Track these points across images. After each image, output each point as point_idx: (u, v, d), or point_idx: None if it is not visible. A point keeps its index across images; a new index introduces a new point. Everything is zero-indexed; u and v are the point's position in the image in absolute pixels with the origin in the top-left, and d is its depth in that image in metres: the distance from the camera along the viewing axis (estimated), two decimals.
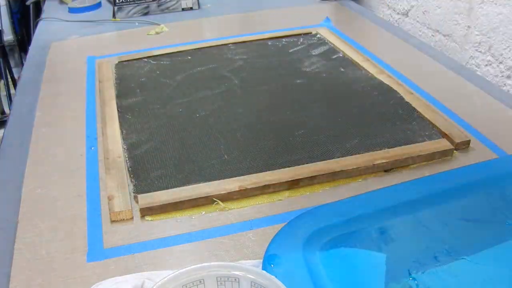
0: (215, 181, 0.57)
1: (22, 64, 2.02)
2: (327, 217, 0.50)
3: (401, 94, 0.74)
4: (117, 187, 0.58)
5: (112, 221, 0.54)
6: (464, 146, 0.64)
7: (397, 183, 0.58)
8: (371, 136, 0.65)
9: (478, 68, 0.92)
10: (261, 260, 0.45)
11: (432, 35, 1.05)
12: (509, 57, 0.85)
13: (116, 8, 1.18)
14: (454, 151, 0.63)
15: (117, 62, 0.92)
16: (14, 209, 0.56)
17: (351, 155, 0.61)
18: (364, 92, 0.77)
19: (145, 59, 0.92)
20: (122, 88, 0.82)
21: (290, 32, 1.02)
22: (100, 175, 0.61)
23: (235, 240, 0.51)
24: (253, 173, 0.58)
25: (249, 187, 0.56)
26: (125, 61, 0.92)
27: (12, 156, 0.67)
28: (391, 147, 0.62)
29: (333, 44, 0.94)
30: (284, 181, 0.57)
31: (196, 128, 0.69)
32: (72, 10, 1.27)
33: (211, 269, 0.38)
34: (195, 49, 0.96)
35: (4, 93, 2.09)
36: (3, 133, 0.74)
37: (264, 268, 0.44)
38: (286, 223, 0.50)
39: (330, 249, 0.47)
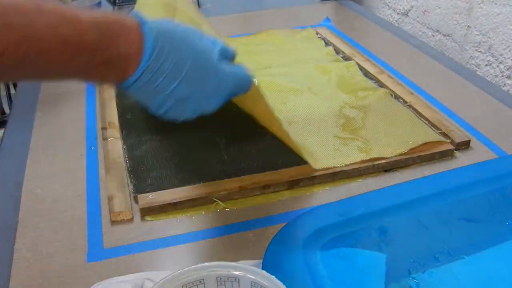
0: (215, 181, 0.57)
1: None
2: (327, 217, 0.51)
3: (401, 94, 0.74)
4: (117, 187, 0.58)
5: (112, 221, 0.54)
6: (464, 146, 0.64)
7: (397, 183, 0.58)
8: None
9: (478, 68, 0.92)
10: (261, 260, 0.45)
11: (432, 35, 1.05)
12: (509, 57, 0.85)
13: (116, 8, 1.18)
14: (454, 151, 0.63)
15: None
16: (14, 209, 0.56)
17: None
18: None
19: None
20: None
21: None
22: (100, 175, 0.61)
23: (235, 240, 0.51)
24: (253, 173, 0.58)
25: (249, 187, 0.56)
26: None
27: (12, 156, 0.67)
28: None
29: (333, 44, 0.94)
30: (284, 181, 0.57)
31: (196, 127, 0.68)
32: None
33: (211, 269, 0.38)
34: None
35: (4, 93, 2.09)
36: (3, 133, 0.73)
37: (264, 268, 0.44)
38: (286, 223, 0.50)
39: (330, 249, 0.47)
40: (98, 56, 0.38)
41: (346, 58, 0.88)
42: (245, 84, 0.48)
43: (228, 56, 0.48)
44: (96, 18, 0.39)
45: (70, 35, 0.37)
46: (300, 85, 0.77)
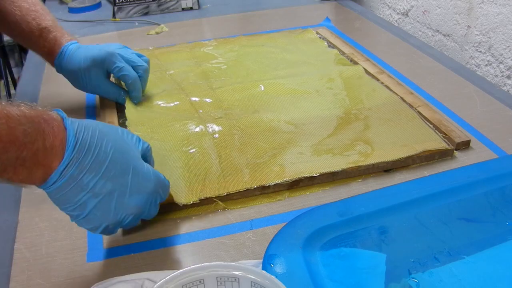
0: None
1: (22, 64, 2.02)
2: (327, 217, 0.51)
3: (401, 94, 0.74)
4: None
5: None
6: (464, 146, 0.64)
7: (397, 183, 0.58)
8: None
9: (478, 68, 0.92)
10: (261, 260, 0.46)
11: (432, 35, 1.05)
12: (509, 57, 0.85)
13: (116, 8, 1.18)
14: (454, 151, 0.63)
15: None
16: (14, 209, 0.56)
17: None
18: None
19: None
20: None
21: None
22: None
23: (235, 240, 0.51)
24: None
25: (249, 187, 0.56)
26: None
27: None
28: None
29: (333, 44, 0.94)
30: (284, 181, 0.57)
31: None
32: (72, 10, 1.27)
33: (211, 269, 0.38)
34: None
35: (4, 93, 2.09)
36: None
37: (264, 268, 0.44)
38: (286, 223, 0.50)
39: (330, 249, 0.47)
40: (26, 151, 0.39)
41: (350, 60, 0.87)
42: (165, 186, 0.50)
43: (146, 155, 0.50)
44: (24, 112, 0.39)
45: (0, 131, 0.37)
46: (308, 88, 0.77)
